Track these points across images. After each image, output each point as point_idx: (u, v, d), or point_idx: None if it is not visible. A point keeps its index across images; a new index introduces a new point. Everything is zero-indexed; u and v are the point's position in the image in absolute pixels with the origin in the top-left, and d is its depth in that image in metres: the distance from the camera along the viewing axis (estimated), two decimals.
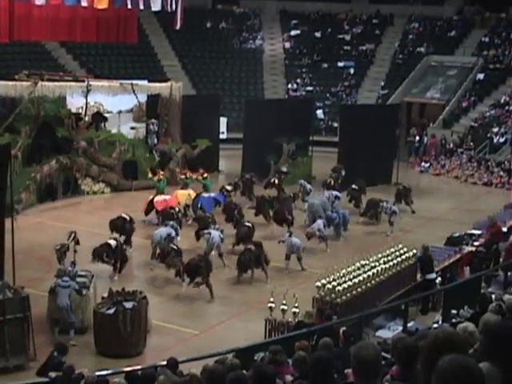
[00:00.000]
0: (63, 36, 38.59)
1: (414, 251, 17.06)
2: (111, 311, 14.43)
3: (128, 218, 20.71)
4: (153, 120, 30.39)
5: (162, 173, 25.98)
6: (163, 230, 19.66)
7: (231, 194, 25.47)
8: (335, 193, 24.60)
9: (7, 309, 13.63)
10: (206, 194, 24.79)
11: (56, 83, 28.16)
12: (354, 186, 25.92)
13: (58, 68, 35.88)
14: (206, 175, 26.24)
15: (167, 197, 24.06)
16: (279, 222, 22.82)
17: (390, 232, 23.17)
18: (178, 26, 38.75)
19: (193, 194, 24.73)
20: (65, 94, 28.58)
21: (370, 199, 24.86)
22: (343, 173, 27.36)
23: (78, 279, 15.74)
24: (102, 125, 30.00)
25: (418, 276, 16.91)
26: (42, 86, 27.15)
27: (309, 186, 26.39)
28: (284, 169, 28.36)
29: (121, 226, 20.47)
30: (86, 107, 29.18)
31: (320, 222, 21.33)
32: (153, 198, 23.92)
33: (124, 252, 18.75)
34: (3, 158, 17.49)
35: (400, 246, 17.22)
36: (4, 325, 13.54)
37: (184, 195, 24.61)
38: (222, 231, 19.88)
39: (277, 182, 26.82)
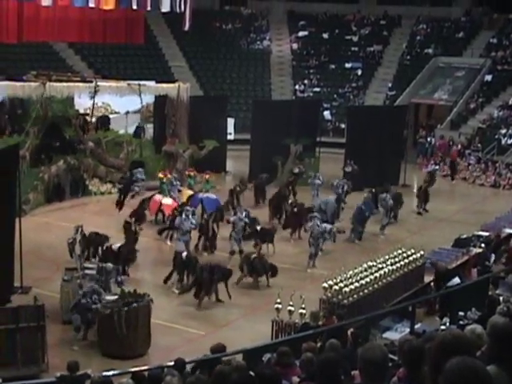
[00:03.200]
0: (71, 37, 38.91)
1: (422, 253, 17.03)
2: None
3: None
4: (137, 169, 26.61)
5: (168, 175, 25.92)
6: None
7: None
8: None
9: (21, 317, 13.37)
10: (207, 195, 24.80)
11: (64, 84, 28.20)
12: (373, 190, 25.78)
13: (66, 69, 35.89)
14: (208, 177, 26.18)
15: (172, 200, 24.03)
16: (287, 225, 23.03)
17: (382, 231, 23.25)
18: (186, 27, 38.90)
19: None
20: (73, 95, 28.63)
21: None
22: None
23: (87, 271, 16.15)
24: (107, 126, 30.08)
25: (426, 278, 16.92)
26: (50, 87, 27.21)
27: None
28: (296, 170, 28.44)
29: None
30: (93, 108, 29.24)
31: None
32: (160, 200, 24.03)
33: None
34: (12, 159, 17.57)
35: (407, 247, 17.21)
36: (17, 333, 13.27)
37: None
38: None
39: (291, 180, 27.38)
